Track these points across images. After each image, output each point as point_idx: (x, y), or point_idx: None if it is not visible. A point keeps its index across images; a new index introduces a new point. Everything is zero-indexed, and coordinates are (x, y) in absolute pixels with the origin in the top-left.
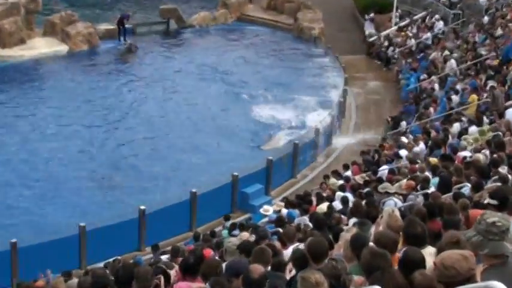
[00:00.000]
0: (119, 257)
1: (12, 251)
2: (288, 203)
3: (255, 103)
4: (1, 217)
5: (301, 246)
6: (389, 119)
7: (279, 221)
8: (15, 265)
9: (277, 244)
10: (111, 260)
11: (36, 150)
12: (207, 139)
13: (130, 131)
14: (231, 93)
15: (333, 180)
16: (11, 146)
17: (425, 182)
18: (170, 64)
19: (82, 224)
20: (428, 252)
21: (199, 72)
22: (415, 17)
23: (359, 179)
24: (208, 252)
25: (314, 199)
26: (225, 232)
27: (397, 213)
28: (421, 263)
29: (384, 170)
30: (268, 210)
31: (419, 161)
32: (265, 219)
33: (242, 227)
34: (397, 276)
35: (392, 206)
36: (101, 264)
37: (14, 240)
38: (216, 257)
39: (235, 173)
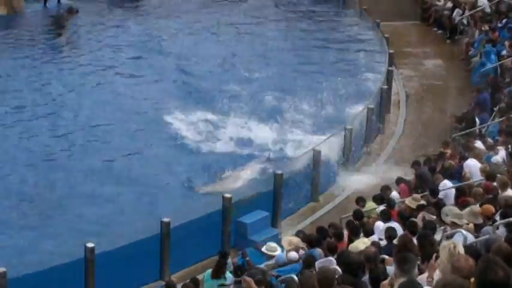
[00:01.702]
0: None
1: None
2: (306, 239)
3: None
4: None
5: None
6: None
7: (306, 262)
8: None
9: None
10: None
11: None
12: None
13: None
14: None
15: (371, 204)
16: None
17: (509, 207)
18: (122, 38)
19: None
20: None
21: (154, 55)
22: None
23: (410, 202)
24: None
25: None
26: (207, 275)
27: (461, 250)
28: None
29: (447, 190)
30: (275, 249)
31: (499, 176)
32: (270, 262)
33: (239, 271)
34: None
35: (459, 241)
36: None
37: None
38: None
39: (228, 195)
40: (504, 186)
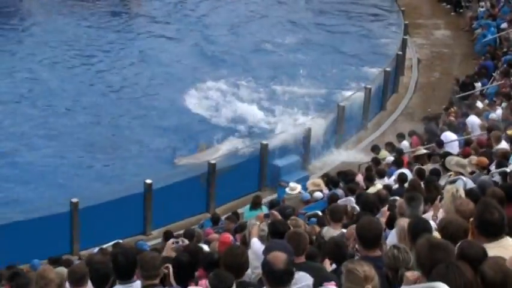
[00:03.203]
0: (120, 241)
1: None
2: (330, 181)
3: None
4: None
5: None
6: (457, 81)
7: (331, 199)
8: None
9: (317, 228)
10: (109, 244)
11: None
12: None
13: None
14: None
15: (384, 153)
16: None
17: (504, 158)
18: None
19: (74, 200)
20: (508, 245)
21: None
22: None
23: (420, 151)
24: (227, 237)
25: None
26: (246, 209)
27: (462, 193)
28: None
29: (452, 142)
30: (296, 188)
31: (494, 132)
32: (292, 196)
33: (272, 205)
34: (466, 272)
35: (460, 186)
36: (96, 250)
37: None
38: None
39: (265, 141)
40: (498, 140)
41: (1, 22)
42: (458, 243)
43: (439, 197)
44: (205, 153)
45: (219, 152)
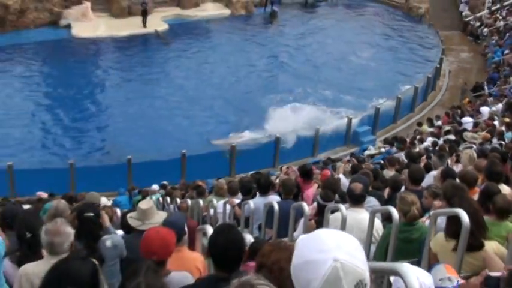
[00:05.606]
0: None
1: (183, 159)
2: (387, 142)
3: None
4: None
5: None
6: (465, 83)
7: (388, 154)
8: (184, 169)
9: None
10: (251, 172)
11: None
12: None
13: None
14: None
15: (425, 126)
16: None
17: (501, 135)
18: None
19: (234, 144)
20: (503, 188)
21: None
22: (506, 3)
23: (448, 127)
24: (327, 172)
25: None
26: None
27: (475, 155)
28: (498, 194)
29: (468, 123)
30: (369, 147)
31: (496, 117)
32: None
33: (352, 154)
34: (473, 202)
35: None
36: (242, 175)
37: (184, 151)
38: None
39: (350, 116)
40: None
41: (197, 39)
42: (485, 183)
43: (454, 153)
44: (233, 138)
45: (244, 138)
